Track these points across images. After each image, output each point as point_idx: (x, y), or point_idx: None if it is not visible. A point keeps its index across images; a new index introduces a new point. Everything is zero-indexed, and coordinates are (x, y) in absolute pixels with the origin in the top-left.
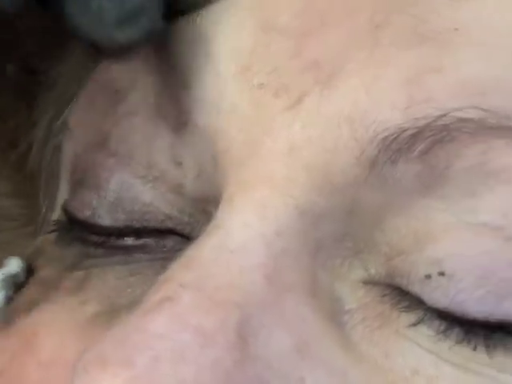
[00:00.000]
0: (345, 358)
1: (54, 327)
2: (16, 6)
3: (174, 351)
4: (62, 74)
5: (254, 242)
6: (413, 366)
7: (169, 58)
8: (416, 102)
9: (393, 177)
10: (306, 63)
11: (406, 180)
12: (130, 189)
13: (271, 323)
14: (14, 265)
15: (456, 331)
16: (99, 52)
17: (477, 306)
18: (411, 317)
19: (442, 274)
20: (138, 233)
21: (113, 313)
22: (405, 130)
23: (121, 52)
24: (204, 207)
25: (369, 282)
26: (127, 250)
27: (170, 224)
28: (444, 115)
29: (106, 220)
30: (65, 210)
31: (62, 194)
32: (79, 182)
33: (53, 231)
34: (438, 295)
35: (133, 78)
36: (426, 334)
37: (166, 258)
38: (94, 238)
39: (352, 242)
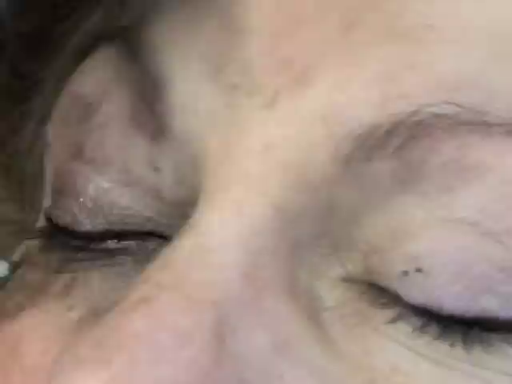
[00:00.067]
0: (324, 355)
1: (38, 333)
2: None
3: (152, 351)
4: (48, 79)
5: (230, 241)
6: (392, 363)
7: (140, 67)
8: (390, 99)
9: (368, 174)
10: (278, 62)
11: (381, 177)
12: (107, 194)
13: (249, 321)
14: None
15: (433, 327)
16: None
17: (453, 301)
18: (389, 313)
19: (418, 270)
20: (120, 236)
21: (97, 316)
22: (379, 127)
23: None
24: (183, 210)
25: (347, 280)
26: (110, 252)
27: (150, 226)
28: (418, 111)
29: (87, 225)
30: (47, 217)
31: (47, 201)
32: (59, 191)
33: (37, 237)
34: (416, 292)
35: (104, 90)
36: (404, 330)
37: (149, 260)
38: (77, 243)
39: (330, 239)
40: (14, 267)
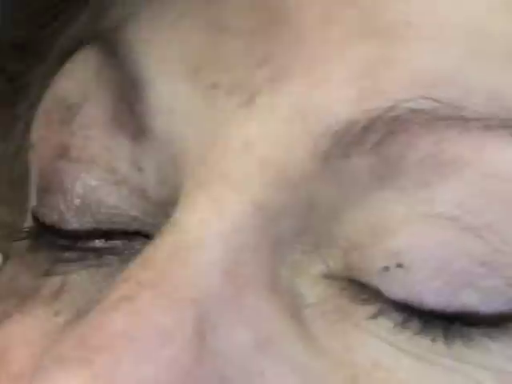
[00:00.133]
0: (306, 351)
1: (25, 340)
2: None
3: (133, 350)
4: (34, 83)
5: (210, 239)
6: (373, 358)
7: (120, 68)
8: (367, 95)
9: (347, 170)
10: (256, 61)
11: (360, 173)
12: (95, 192)
13: (230, 319)
14: None
15: (414, 323)
16: None
17: (434, 297)
18: (370, 309)
19: (399, 266)
20: (107, 235)
21: (81, 317)
22: (356, 123)
23: None
24: (167, 210)
25: (328, 277)
26: (98, 252)
27: (136, 226)
28: (395, 106)
29: (74, 224)
30: (33, 216)
31: (33, 200)
32: (45, 189)
33: (24, 238)
34: (396, 287)
35: (85, 91)
36: (385, 326)
37: None
38: (64, 242)
39: (311, 236)
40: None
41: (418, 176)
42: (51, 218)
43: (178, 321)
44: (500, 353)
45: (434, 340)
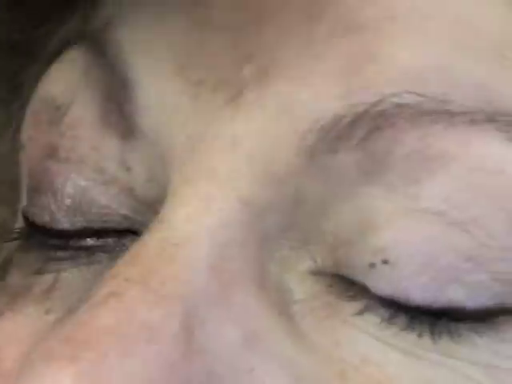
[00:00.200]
0: (295, 348)
1: (16, 338)
2: None
3: (120, 346)
4: (25, 84)
5: (197, 235)
6: (362, 354)
7: (107, 68)
8: (353, 90)
9: (333, 166)
10: (242, 57)
11: (346, 169)
12: (85, 192)
13: (218, 315)
14: None
15: (401, 318)
16: None
17: (420, 292)
18: (357, 305)
19: (385, 262)
20: (98, 233)
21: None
22: (342, 118)
23: None
24: (156, 208)
25: (316, 273)
26: (89, 250)
27: (127, 224)
28: (381, 101)
29: (64, 224)
30: (24, 216)
31: (23, 200)
32: (35, 189)
33: (15, 239)
34: (383, 283)
35: (73, 92)
36: (372, 321)
37: None
38: (55, 242)
39: (298, 232)
40: None
41: (405, 171)
42: (42, 218)
43: (165, 316)
44: (487, 347)
45: (420, 335)
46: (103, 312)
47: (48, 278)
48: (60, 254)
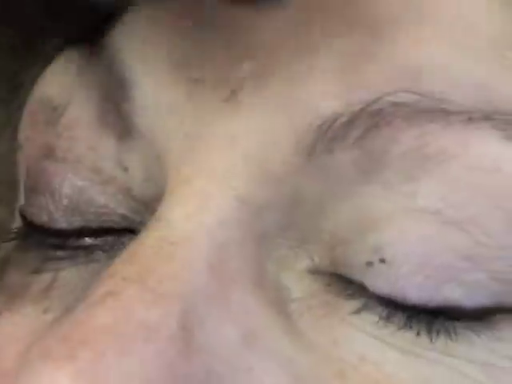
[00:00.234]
0: (293, 346)
1: (14, 338)
2: None
3: (118, 345)
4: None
5: (195, 234)
6: (360, 352)
7: (104, 68)
8: (350, 88)
9: (331, 165)
10: (239, 55)
11: (344, 168)
12: (83, 192)
13: (217, 313)
14: None
15: (399, 317)
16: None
17: (417, 291)
18: (355, 304)
19: (382, 261)
20: (96, 233)
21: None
22: (339, 117)
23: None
24: (154, 208)
25: (314, 272)
26: (88, 249)
27: (125, 224)
28: (378, 99)
29: (63, 223)
30: (22, 215)
31: (21, 199)
32: (32, 189)
33: (13, 239)
34: (380, 282)
35: (69, 92)
36: (370, 320)
37: None
38: (54, 241)
39: (296, 231)
40: None
41: (401, 170)
42: (40, 217)
43: (163, 315)
44: (484, 346)
45: (418, 334)
46: (101, 311)
47: (46, 277)
48: (58, 253)
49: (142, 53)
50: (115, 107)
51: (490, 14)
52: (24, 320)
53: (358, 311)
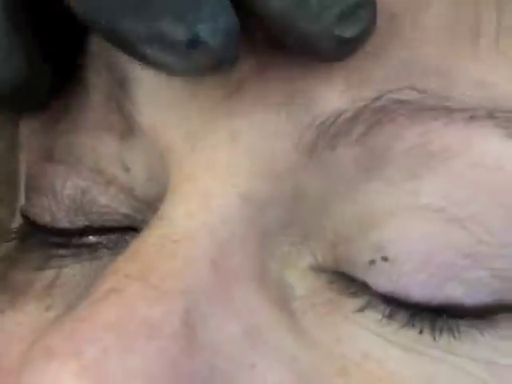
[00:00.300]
0: (296, 344)
1: (16, 335)
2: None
3: (121, 342)
4: None
5: (197, 231)
6: (363, 350)
7: (106, 67)
8: (353, 85)
9: (333, 162)
10: (241, 51)
11: (346, 165)
12: (85, 192)
13: (220, 311)
14: None
15: (402, 315)
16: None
17: (419, 289)
18: (358, 302)
19: (385, 259)
20: (99, 231)
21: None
22: (342, 113)
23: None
24: (157, 207)
25: (317, 269)
26: (92, 246)
27: (127, 222)
28: (381, 96)
29: (66, 223)
30: (24, 215)
31: (21, 201)
32: (34, 189)
33: (14, 238)
34: (383, 280)
35: (70, 95)
36: (373, 318)
37: None
38: (57, 240)
39: (299, 228)
40: None
41: (405, 167)
42: (43, 218)
43: (166, 313)
44: (487, 344)
45: (421, 332)
46: (103, 308)
47: (49, 274)
48: (62, 251)
49: None
50: (116, 106)
51: (491, 10)
52: (26, 318)
53: (361, 309)
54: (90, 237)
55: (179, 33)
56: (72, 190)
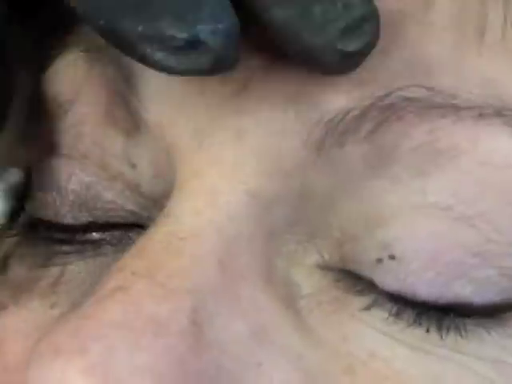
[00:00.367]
0: (302, 342)
1: (20, 332)
2: None
3: (129, 339)
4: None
5: (204, 229)
6: (369, 349)
7: (111, 63)
8: (361, 83)
9: (341, 159)
10: (249, 49)
11: (354, 162)
12: (90, 188)
13: (226, 309)
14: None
15: (408, 313)
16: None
17: (427, 288)
18: (365, 300)
19: (392, 257)
20: (104, 227)
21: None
22: (350, 111)
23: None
24: (163, 204)
25: (323, 267)
26: (95, 243)
27: (133, 219)
28: (389, 94)
29: (70, 219)
30: (27, 211)
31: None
32: (39, 184)
33: (17, 234)
34: (390, 279)
35: (76, 89)
36: (379, 316)
37: None
38: (61, 236)
39: (305, 226)
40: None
41: (412, 165)
42: (46, 213)
43: (173, 311)
44: (494, 343)
45: (427, 331)
46: (110, 305)
47: (54, 271)
48: (66, 247)
49: None
50: (123, 102)
51: (499, 9)
52: (31, 315)
53: (367, 307)
54: (94, 233)
55: (179, 33)
56: (76, 185)
